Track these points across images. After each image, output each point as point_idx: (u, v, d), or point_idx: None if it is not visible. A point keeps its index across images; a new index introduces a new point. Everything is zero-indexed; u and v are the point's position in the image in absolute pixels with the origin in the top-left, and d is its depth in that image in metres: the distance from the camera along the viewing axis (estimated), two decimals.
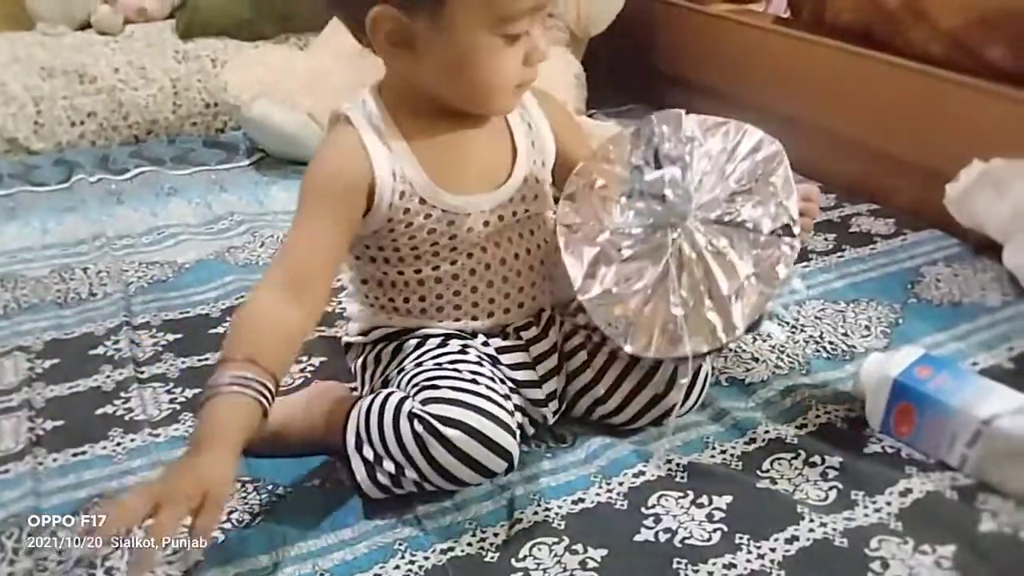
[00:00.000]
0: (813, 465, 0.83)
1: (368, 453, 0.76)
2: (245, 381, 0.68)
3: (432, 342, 0.82)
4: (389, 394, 0.78)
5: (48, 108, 1.66)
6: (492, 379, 0.77)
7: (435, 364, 0.79)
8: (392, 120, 0.78)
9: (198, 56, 1.77)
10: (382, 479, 0.76)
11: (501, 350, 0.83)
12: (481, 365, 0.79)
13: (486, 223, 0.80)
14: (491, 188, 0.81)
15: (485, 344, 0.82)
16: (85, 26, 1.81)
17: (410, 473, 0.74)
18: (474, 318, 0.82)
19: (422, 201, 0.78)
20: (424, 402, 0.74)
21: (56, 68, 1.68)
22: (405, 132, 0.78)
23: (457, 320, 0.82)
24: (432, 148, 0.79)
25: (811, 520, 0.76)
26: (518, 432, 0.73)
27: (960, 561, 0.72)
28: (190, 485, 0.63)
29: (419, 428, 0.72)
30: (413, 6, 0.72)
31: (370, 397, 0.79)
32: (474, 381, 0.75)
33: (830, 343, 1.04)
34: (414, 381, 0.78)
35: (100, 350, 1.03)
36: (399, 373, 0.82)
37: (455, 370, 0.77)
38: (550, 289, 0.88)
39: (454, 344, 0.82)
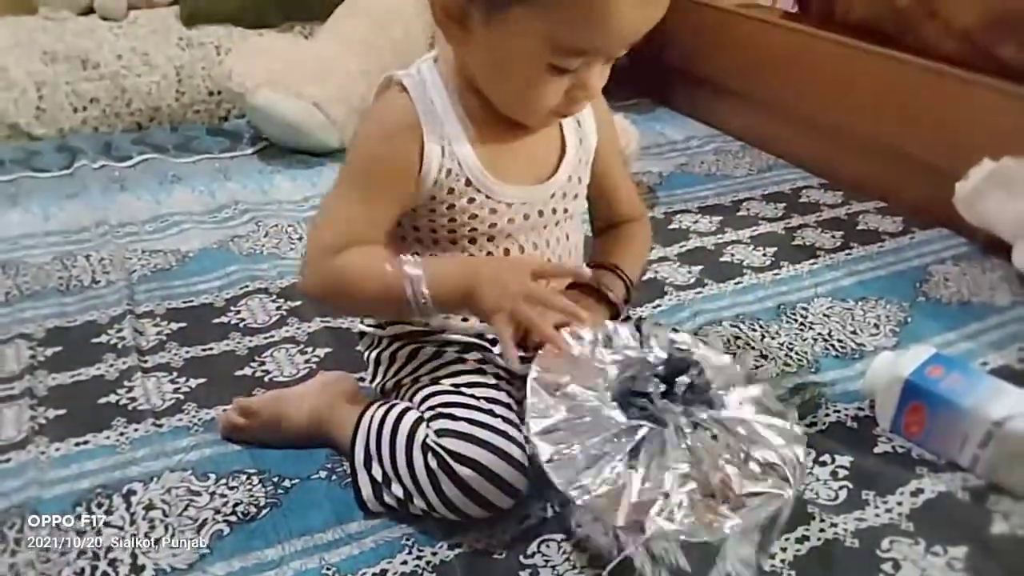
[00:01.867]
0: (823, 464, 0.82)
1: (376, 473, 0.75)
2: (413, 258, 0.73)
3: (450, 353, 0.81)
4: (404, 411, 0.76)
5: (50, 94, 1.64)
6: (508, 406, 0.75)
7: (452, 386, 0.77)
8: (447, 96, 0.76)
9: (202, 43, 1.75)
10: (388, 500, 0.75)
11: (519, 360, 0.80)
12: (498, 389, 0.77)
13: (526, 216, 0.79)
14: (536, 182, 0.79)
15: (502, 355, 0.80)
16: (88, 11, 1.79)
17: (418, 501, 0.72)
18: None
19: (468, 183, 0.76)
20: (439, 433, 0.72)
21: (59, 53, 1.66)
22: (458, 110, 0.76)
23: (482, 320, 0.80)
24: (483, 132, 0.76)
25: (822, 520, 0.75)
26: (528, 466, 0.72)
27: (972, 563, 0.71)
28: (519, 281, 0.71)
29: (432, 463, 0.71)
30: None
31: (382, 410, 0.78)
32: (491, 412, 0.73)
33: (839, 341, 1.04)
34: (430, 403, 0.76)
35: (103, 338, 1.02)
36: (414, 383, 0.80)
37: (472, 396, 0.75)
38: None
39: (472, 357, 0.81)
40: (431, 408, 0.75)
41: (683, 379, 0.71)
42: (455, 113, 0.75)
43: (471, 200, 0.76)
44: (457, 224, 0.77)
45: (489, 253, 0.78)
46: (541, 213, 0.80)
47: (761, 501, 0.63)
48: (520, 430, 0.72)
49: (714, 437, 0.67)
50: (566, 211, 0.82)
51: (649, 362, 0.73)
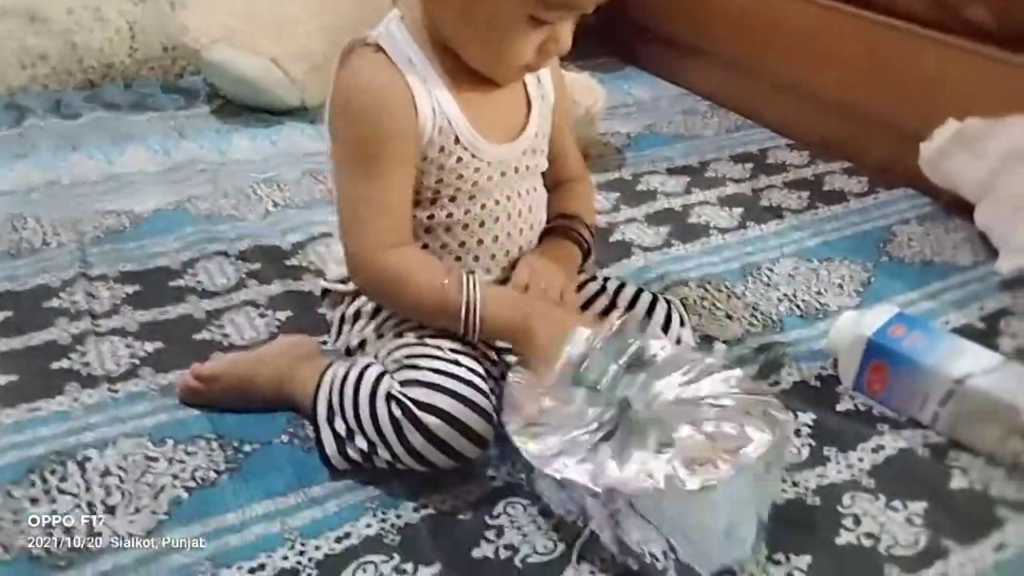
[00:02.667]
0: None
1: (340, 427, 0.74)
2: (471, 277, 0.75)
3: None
4: (367, 366, 0.75)
5: None
6: (474, 358, 0.75)
7: (417, 338, 0.76)
8: (421, 53, 0.74)
9: None
10: (352, 454, 0.74)
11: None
12: (464, 341, 0.76)
13: (503, 173, 0.78)
14: (508, 139, 0.79)
15: None
16: None
17: (383, 452, 0.72)
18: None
19: (456, 140, 0.75)
20: (403, 383, 0.71)
21: (6, 9, 1.59)
22: (435, 67, 0.74)
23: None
24: (462, 88, 0.75)
25: (783, 479, 0.76)
26: (495, 416, 0.71)
27: (931, 517, 0.72)
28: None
29: (396, 411, 0.70)
30: None
31: (345, 366, 0.76)
32: (455, 362, 0.73)
33: (803, 301, 1.04)
34: (394, 356, 0.75)
35: (55, 302, 0.99)
36: (378, 338, 0.79)
37: (437, 347, 0.74)
38: None
39: None
40: (395, 361, 0.74)
41: (630, 351, 0.69)
42: (433, 70, 0.74)
43: (459, 159, 0.75)
44: (443, 184, 0.76)
45: (467, 211, 0.78)
46: (516, 170, 0.80)
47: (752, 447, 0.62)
48: (486, 381, 0.73)
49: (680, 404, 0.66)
50: (536, 166, 0.82)
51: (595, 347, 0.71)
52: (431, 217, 0.78)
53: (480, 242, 0.80)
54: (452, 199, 0.77)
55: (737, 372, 0.70)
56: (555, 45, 0.72)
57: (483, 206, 0.78)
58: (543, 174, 0.87)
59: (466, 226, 0.79)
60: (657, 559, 0.63)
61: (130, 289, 1.02)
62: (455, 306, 0.73)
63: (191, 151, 1.40)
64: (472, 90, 0.76)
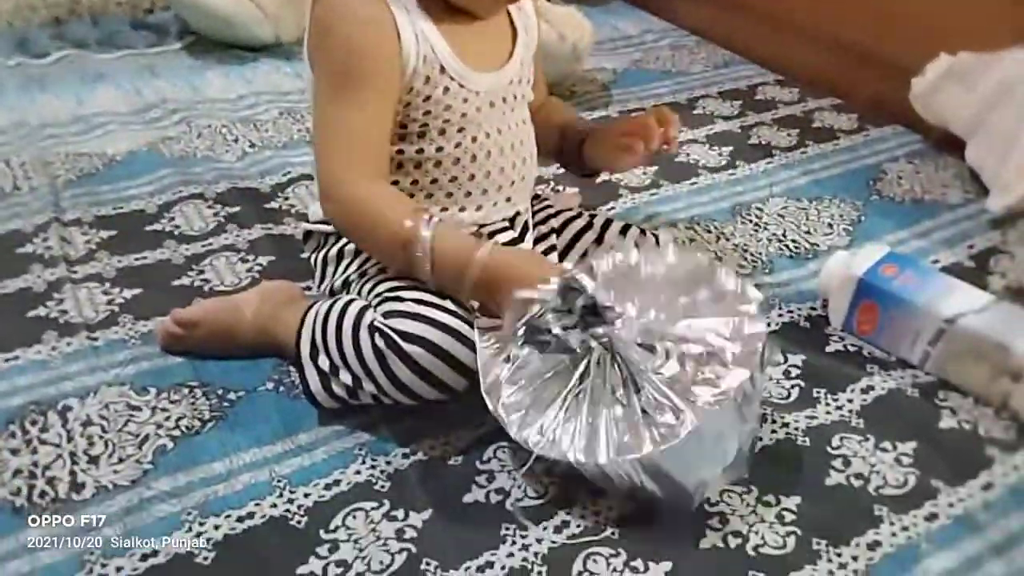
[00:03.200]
0: (775, 364, 0.82)
1: (324, 363, 0.73)
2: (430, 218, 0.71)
3: None
4: (349, 302, 0.74)
5: None
6: None
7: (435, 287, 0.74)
8: None
9: None
10: (337, 390, 0.73)
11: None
12: None
13: (491, 104, 0.77)
14: (495, 68, 0.77)
15: None
16: None
17: (368, 386, 0.71)
18: (462, 208, 0.78)
19: (442, 70, 0.73)
20: (386, 315, 0.70)
21: None
22: None
23: (444, 209, 0.77)
24: (446, 19, 0.73)
25: (773, 420, 0.76)
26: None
27: (920, 457, 0.72)
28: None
29: (380, 342, 0.69)
30: None
31: (327, 303, 0.75)
32: (439, 294, 0.71)
33: (793, 241, 1.03)
34: (376, 290, 0.74)
35: (28, 248, 0.97)
36: (361, 276, 0.78)
37: (420, 281, 0.73)
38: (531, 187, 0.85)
39: None
40: (378, 295, 0.73)
41: (579, 303, 0.66)
42: (416, 1, 0.72)
43: (446, 89, 0.74)
44: (431, 116, 0.74)
45: (457, 144, 0.76)
46: (505, 100, 0.78)
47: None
48: (470, 312, 0.71)
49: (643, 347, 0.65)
50: (522, 97, 0.81)
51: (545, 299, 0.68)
52: (420, 151, 0.76)
53: (472, 177, 0.78)
54: (441, 132, 0.75)
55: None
56: None
57: (474, 139, 0.77)
58: None
59: (457, 160, 0.77)
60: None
61: (105, 234, 1.00)
62: (412, 245, 0.70)
63: (163, 90, 1.35)
64: (456, 21, 0.74)
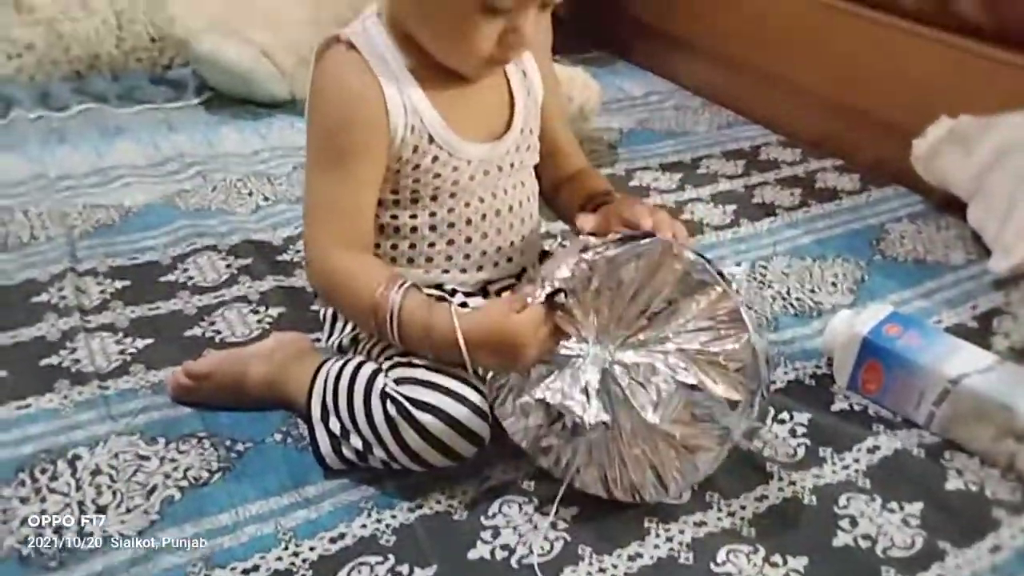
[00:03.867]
0: (782, 422, 0.83)
1: (334, 426, 0.73)
2: (402, 283, 0.72)
3: None
4: (360, 364, 0.74)
5: None
6: None
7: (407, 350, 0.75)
8: (395, 49, 0.73)
9: None
10: (347, 453, 0.73)
11: None
12: None
13: (486, 172, 0.77)
14: (491, 137, 0.77)
15: (464, 305, 0.78)
16: None
17: (378, 452, 0.71)
18: (463, 271, 0.79)
19: (431, 140, 0.73)
20: (398, 381, 0.70)
21: None
22: (411, 65, 0.73)
23: (446, 272, 0.78)
24: (434, 87, 0.74)
25: (780, 479, 0.76)
26: (490, 415, 0.71)
27: (927, 519, 0.72)
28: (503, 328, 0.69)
29: (392, 410, 0.69)
30: None
31: (339, 364, 0.76)
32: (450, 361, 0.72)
33: (797, 299, 1.04)
34: (387, 353, 0.75)
35: (44, 297, 0.98)
36: (371, 336, 0.78)
37: None
38: (535, 245, 0.85)
39: None
40: (389, 358, 0.74)
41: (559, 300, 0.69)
42: (407, 68, 0.73)
43: (435, 159, 0.74)
44: (421, 184, 0.75)
45: (451, 209, 0.76)
46: (500, 168, 0.78)
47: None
48: (481, 379, 0.72)
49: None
50: (522, 162, 0.80)
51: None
52: (414, 217, 0.77)
53: (469, 240, 0.78)
54: (433, 199, 0.76)
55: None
56: (516, 36, 0.69)
57: (467, 205, 0.77)
58: (541, 174, 0.85)
59: (452, 225, 0.77)
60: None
61: (120, 284, 1.01)
62: (380, 311, 0.70)
63: (180, 144, 1.38)
64: (448, 88, 0.74)
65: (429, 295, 0.76)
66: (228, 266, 1.06)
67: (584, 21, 1.92)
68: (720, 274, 0.68)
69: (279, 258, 1.08)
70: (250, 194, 1.24)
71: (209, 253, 1.08)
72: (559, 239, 1.14)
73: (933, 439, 0.81)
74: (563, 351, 0.69)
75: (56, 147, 1.36)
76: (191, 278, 1.03)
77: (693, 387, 0.66)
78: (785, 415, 0.84)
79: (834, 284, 1.07)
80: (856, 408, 0.86)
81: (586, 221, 0.74)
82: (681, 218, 1.23)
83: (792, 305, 1.03)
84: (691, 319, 0.67)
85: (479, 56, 0.70)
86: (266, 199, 1.23)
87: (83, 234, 1.12)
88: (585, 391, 0.67)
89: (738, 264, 0.76)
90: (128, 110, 1.50)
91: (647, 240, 0.68)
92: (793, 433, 0.82)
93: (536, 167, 0.84)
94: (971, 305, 1.03)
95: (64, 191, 1.22)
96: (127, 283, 1.01)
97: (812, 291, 1.06)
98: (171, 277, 1.03)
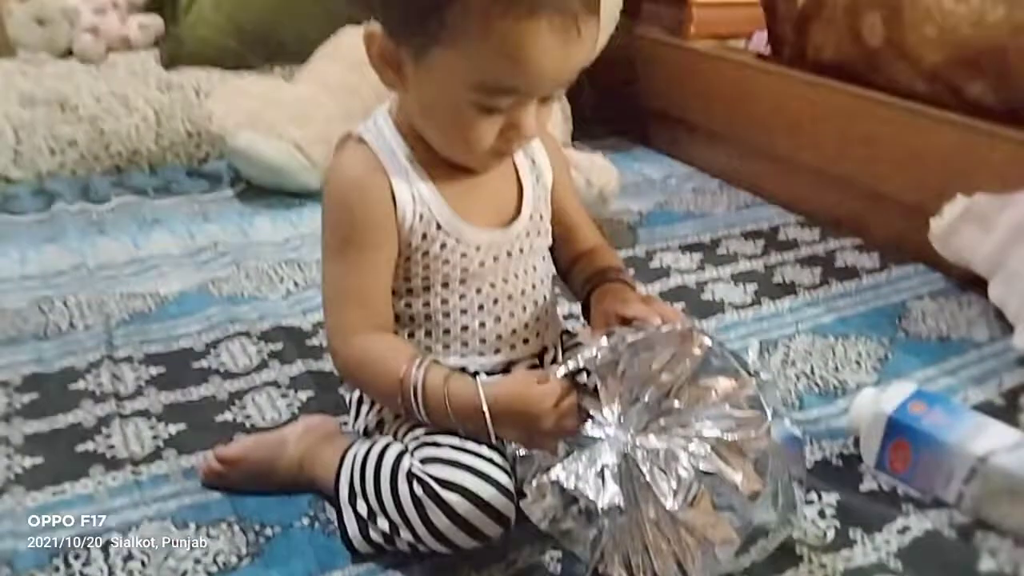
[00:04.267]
0: (810, 503, 0.82)
1: (362, 508, 0.74)
2: (423, 360, 0.74)
3: None
4: (387, 446, 0.76)
5: (28, 137, 1.63)
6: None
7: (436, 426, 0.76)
8: (405, 143, 0.76)
9: (182, 86, 1.76)
10: (375, 536, 0.74)
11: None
12: None
13: (495, 258, 0.79)
14: (500, 224, 0.79)
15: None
16: (67, 54, 1.79)
17: (405, 534, 0.71)
18: (480, 354, 0.80)
19: (439, 227, 0.76)
20: (424, 461, 0.71)
21: (37, 97, 1.66)
22: (419, 157, 0.76)
23: (463, 356, 0.80)
24: (445, 177, 0.77)
25: (810, 561, 0.75)
26: (516, 495, 0.71)
27: None
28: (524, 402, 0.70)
29: (418, 491, 0.70)
30: (400, 38, 0.70)
31: (365, 446, 0.77)
32: (476, 440, 0.73)
33: (821, 378, 1.04)
34: (413, 434, 0.76)
35: (81, 384, 1.01)
36: (396, 418, 0.80)
37: None
38: (553, 325, 0.87)
39: None
40: (415, 439, 0.75)
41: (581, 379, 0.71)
42: (417, 160, 0.76)
43: (443, 245, 0.76)
44: (431, 271, 0.77)
45: (462, 296, 0.79)
46: (509, 254, 0.80)
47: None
48: (506, 458, 0.72)
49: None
50: (532, 247, 0.82)
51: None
52: (427, 304, 0.79)
53: (483, 325, 0.80)
54: (444, 285, 0.78)
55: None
56: (515, 131, 0.71)
57: (479, 291, 0.79)
58: (556, 254, 0.87)
59: (464, 311, 0.79)
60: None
61: (154, 371, 1.04)
62: (405, 390, 0.72)
63: (214, 233, 1.43)
64: (456, 178, 0.77)
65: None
66: (259, 351, 1.08)
67: (604, 110, 1.98)
68: (737, 358, 0.69)
69: (309, 343, 1.11)
70: (281, 280, 1.28)
71: (241, 339, 1.11)
72: (581, 320, 1.16)
73: (964, 519, 0.80)
74: (584, 432, 0.70)
75: (96, 238, 1.41)
76: (223, 364, 1.06)
77: (713, 475, 0.66)
78: (813, 496, 0.83)
79: (858, 362, 1.08)
80: (885, 488, 0.85)
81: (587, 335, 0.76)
82: (702, 298, 1.24)
83: (816, 384, 1.03)
84: (711, 405, 0.68)
85: (481, 151, 0.73)
86: (296, 285, 1.26)
87: (120, 322, 1.15)
88: (601, 474, 0.68)
89: (746, 350, 0.77)
90: (165, 202, 1.56)
91: (668, 326, 0.70)
92: (822, 514, 0.81)
93: (551, 247, 0.86)
94: (997, 382, 1.03)
95: (102, 281, 1.27)
96: (161, 369, 1.04)
97: (836, 369, 1.06)
98: (204, 363, 1.06)
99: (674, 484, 0.66)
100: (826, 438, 0.92)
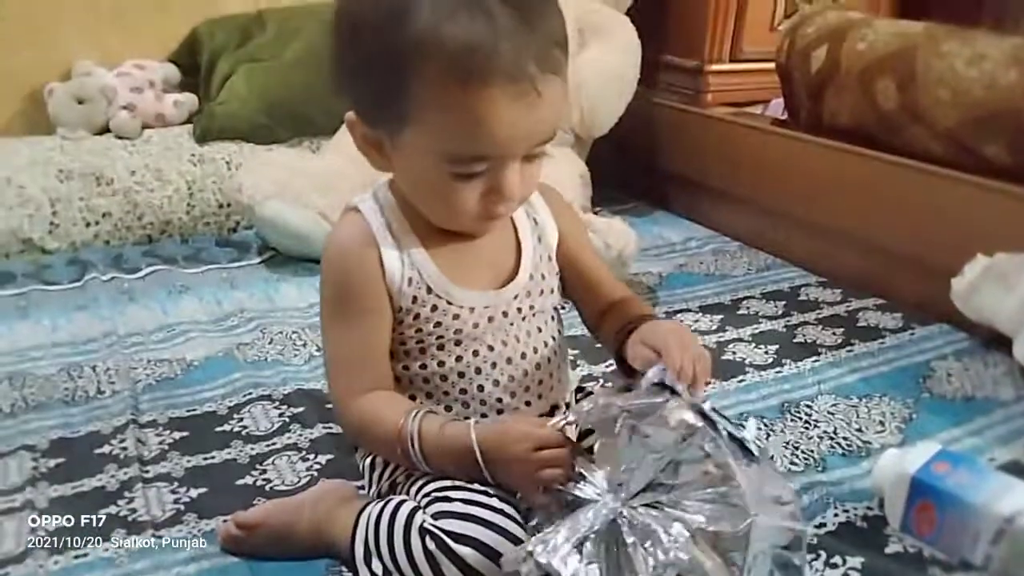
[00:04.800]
0: (835, 567, 0.81)
1: (377, 568, 0.74)
2: (418, 411, 0.77)
3: None
4: (400, 504, 0.76)
5: (64, 209, 1.69)
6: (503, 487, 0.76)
7: (439, 475, 0.77)
8: (401, 212, 0.79)
9: (213, 159, 1.81)
10: None
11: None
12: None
13: (490, 319, 0.80)
14: (496, 285, 0.81)
15: None
16: (104, 131, 1.86)
17: None
18: (483, 415, 0.81)
19: (429, 290, 0.78)
20: (436, 516, 0.72)
21: (74, 171, 1.71)
22: (413, 224, 0.79)
23: (466, 418, 0.80)
24: (440, 242, 0.79)
25: None
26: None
27: None
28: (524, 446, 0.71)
29: (431, 545, 0.70)
30: (375, 121, 0.75)
31: (379, 505, 0.77)
32: (486, 492, 0.73)
33: (844, 439, 1.03)
34: (425, 490, 0.76)
35: (106, 449, 1.02)
36: (408, 479, 0.80)
37: (468, 481, 0.75)
38: (560, 385, 0.87)
39: None
40: (426, 495, 0.75)
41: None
42: (409, 226, 0.79)
43: (434, 308, 0.78)
44: (424, 334, 0.79)
45: (459, 358, 0.80)
46: (506, 314, 0.81)
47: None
48: (518, 510, 0.73)
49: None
50: (532, 308, 0.83)
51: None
52: (423, 367, 0.80)
53: (481, 388, 0.81)
54: (440, 348, 0.80)
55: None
56: (497, 194, 0.73)
57: (475, 353, 0.80)
58: (583, 309, 0.88)
59: (461, 374, 0.80)
60: None
61: (178, 435, 1.05)
62: (403, 441, 0.75)
63: (241, 300, 1.46)
64: (451, 242, 0.79)
65: None
66: (281, 415, 1.10)
67: (623, 175, 2.01)
68: (736, 438, 0.68)
69: (329, 406, 1.11)
70: (304, 345, 1.29)
71: (263, 403, 1.13)
72: (601, 381, 1.16)
73: None
74: (577, 492, 0.70)
75: (126, 306, 1.44)
76: (245, 427, 1.07)
77: (686, 562, 0.64)
78: (838, 559, 0.82)
79: (881, 423, 1.06)
80: (911, 551, 0.83)
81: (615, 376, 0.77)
82: (722, 359, 1.24)
83: (839, 444, 1.02)
84: (700, 488, 0.67)
85: (467, 216, 0.75)
86: (319, 349, 1.28)
87: (146, 387, 1.17)
88: (579, 548, 0.66)
89: (744, 422, 0.75)
90: (194, 270, 1.60)
91: (672, 400, 0.69)
92: None
93: (579, 304, 0.88)
94: (1023, 441, 1.01)
95: (131, 347, 1.29)
96: (185, 433, 1.06)
97: (859, 430, 1.05)
98: (226, 427, 1.07)
99: (651, 563, 0.65)
100: (850, 500, 0.91)
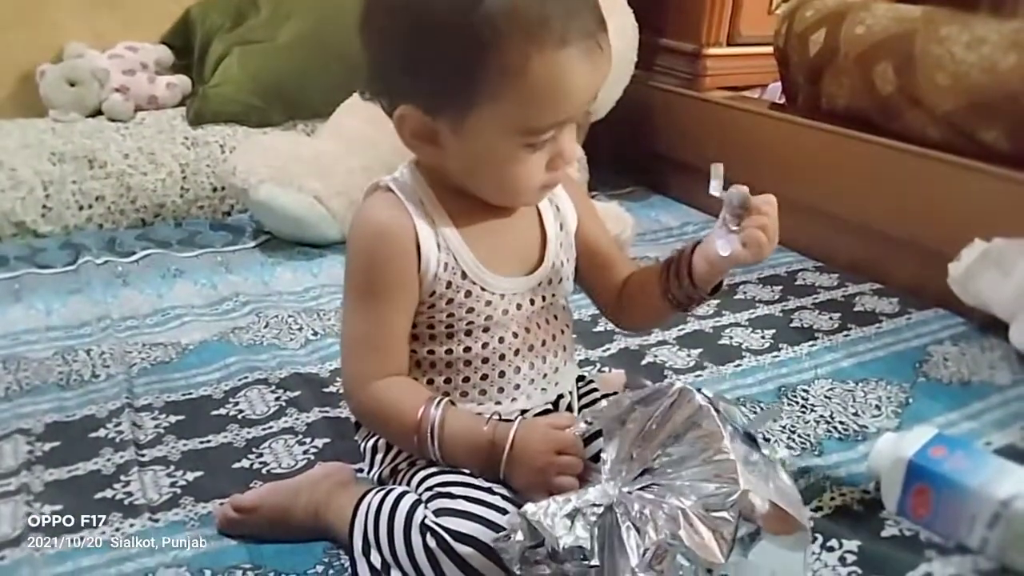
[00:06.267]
0: (831, 550, 0.81)
1: (375, 560, 0.74)
2: (441, 400, 0.77)
3: None
4: (400, 496, 0.76)
5: (57, 192, 1.68)
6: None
7: (450, 466, 0.77)
8: (433, 192, 0.78)
9: (207, 142, 1.80)
10: None
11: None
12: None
13: (518, 306, 0.80)
14: (524, 272, 0.80)
15: None
16: (96, 113, 1.85)
17: None
18: (498, 403, 0.81)
19: (464, 275, 0.77)
20: (437, 512, 0.71)
21: (66, 153, 1.70)
22: (446, 206, 0.78)
23: (480, 404, 0.80)
24: (470, 226, 0.78)
25: None
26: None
27: None
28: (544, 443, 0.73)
29: (431, 543, 0.70)
30: (437, 110, 0.73)
31: (379, 496, 0.77)
32: (489, 491, 0.73)
33: (841, 423, 1.03)
34: (427, 484, 0.76)
35: (101, 432, 1.02)
36: (410, 467, 0.80)
37: (470, 475, 0.75)
38: (569, 373, 0.87)
39: None
40: (428, 489, 0.75)
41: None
42: (444, 209, 0.78)
43: (468, 293, 0.78)
44: (455, 319, 0.78)
45: (485, 344, 0.79)
46: (532, 302, 0.81)
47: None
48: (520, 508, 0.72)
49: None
50: (553, 295, 0.83)
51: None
52: (449, 352, 0.79)
53: (502, 374, 0.80)
54: (468, 333, 0.79)
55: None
56: (561, 159, 0.74)
57: (501, 339, 0.80)
58: (598, 291, 0.88)
59: (485, 360, 0.80)
60: None
61: (173, 419, 1.05)
62: (421, 430, 0.75)
63: (236, 284, 1.45)
64: (482, 226, 0.79)
65: None
66: (277, 399, 1.09)
67: (620, 160, 2.00)
68: (733, 419, 0.68)
69: (326, 390, 1.11)
70: (300, 329, 1.29)
71: (259, 387, 1.12)
72: (598, 366, 1.16)
73: (989, 565, 0.78)
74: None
75: (120, 290, 1.43)
76: (241, 411, 1.07)
77: (678, 541, 0.64)
78: (834, 542, 0.82)
79: (878, 407, 1.07)
80: (907, 534, 0.83)
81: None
82: (719, 344, 1.24)
83: (836, 429, 1.02)
84: (694, 467, 0.66)
85: (533, 187, 0.76)
86: (315, 334, 1.28)
87: (141, 371, 1.17)
88: (571, 516, 0.66)
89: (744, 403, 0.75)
90: (189, 254, 1.59)
91: (676, 386, 0.69)
92: (843, 561, 0.80)
93: (592, 287, 0.88)
94: (1020, 425, 1.01)
95: (125, 331, 1.29)
96: (181, 417, 1.05)
97: (856, 415, 1.05)
98: (222, 411, 1.07)
99: (643, 543, 0.64)
100: (847, 484, 0.91)
